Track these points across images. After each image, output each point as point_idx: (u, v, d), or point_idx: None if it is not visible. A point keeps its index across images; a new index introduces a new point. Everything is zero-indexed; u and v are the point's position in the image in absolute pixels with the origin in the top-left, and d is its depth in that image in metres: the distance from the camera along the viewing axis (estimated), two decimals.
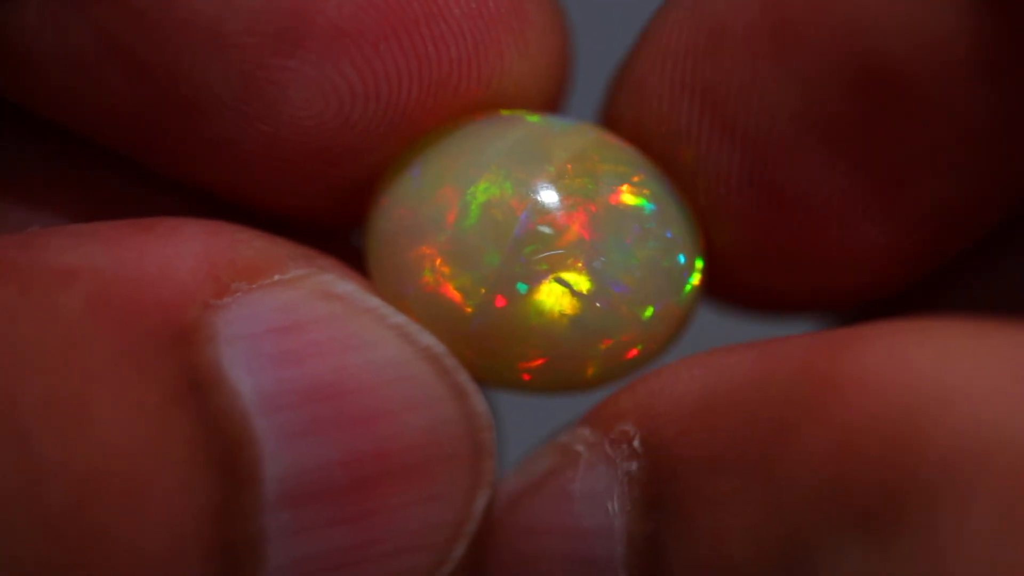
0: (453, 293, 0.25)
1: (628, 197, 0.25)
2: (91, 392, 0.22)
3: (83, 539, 0.22)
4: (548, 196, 0.25)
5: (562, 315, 0.24)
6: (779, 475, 0.21)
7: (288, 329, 0.23)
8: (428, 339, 0.24)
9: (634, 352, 0.25)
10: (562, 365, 0.25)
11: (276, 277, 0.24)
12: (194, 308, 0.23)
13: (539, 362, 0.25)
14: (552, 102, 0.27)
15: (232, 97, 0.24)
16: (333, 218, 0.27)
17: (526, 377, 0.25)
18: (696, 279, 0.26)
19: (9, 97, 0.26)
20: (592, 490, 0.24)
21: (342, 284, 0.24)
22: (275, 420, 0.23)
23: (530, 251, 0.24)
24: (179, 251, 0.24)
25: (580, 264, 0.25)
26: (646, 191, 0.25)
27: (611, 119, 0.27)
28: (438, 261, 0.25)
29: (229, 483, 0.23)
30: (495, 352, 0.25)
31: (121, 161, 0.27)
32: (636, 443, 0.24)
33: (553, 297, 0.24)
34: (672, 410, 0.24)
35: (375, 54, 0.25)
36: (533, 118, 0.26)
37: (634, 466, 0.24)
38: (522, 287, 0.24)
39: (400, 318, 0.24)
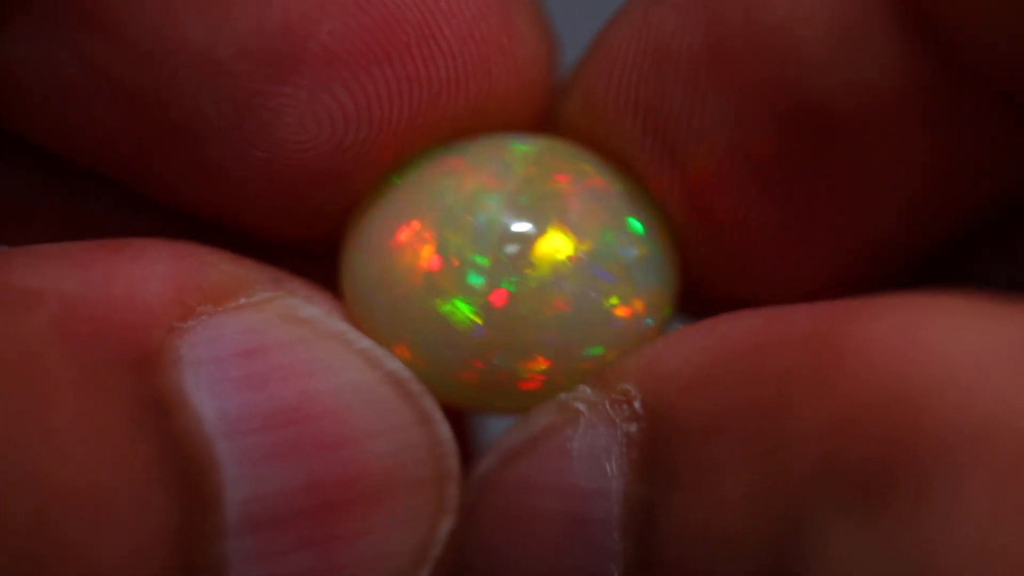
0: (449, 313, 0.25)
1: (599, 185, 0.25)
2: (52, 414, 0.22)
3: (44, 556, 0.22)
4: (522, 197, 0.25)
5: (558, 309, 0.24)
6: (777, 446, 0.21)
7: (252, 353, 0.23)
8: (394, 364, 0.24)
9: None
10: (564, 365, 0.25)
11: (242, 300, 0.24)
12: (159, 331, 0.23)
13: (545, 364, 0.25)
14: (539, 110, 0.27)
15: (225, 123, 0.24)
16: (323, 241, 0.27)
17: (531, 386, 0.25)
18: (674, 262, 0.26)
19: None
20: (591, 449, 0.24)
21: (308, 308, 0.24)
22: (238, 445, 0.23)
23: (516, 252, 0.24)
24: (146, 274, 0.24)
25: (567, 257, 0.25)
26: (613, 184, 0.26)
27: (564, 120, 0.27)
28: (427, 288, 0.25)
29: (190, 507, 0.22)
30: (502, 357, 0.25)
31: (110, 183, 0.27)
32: (637, 404, 0.24)
33: (546, 293, 0.24)
34: (675, 373, 0.23)
35: (368, 77, 0.24)
36: (486, 138, 0.26)
37: (634, 427, 0.23)
38: (513, 288, 0.24)
39: (366, 342, 0.24)
